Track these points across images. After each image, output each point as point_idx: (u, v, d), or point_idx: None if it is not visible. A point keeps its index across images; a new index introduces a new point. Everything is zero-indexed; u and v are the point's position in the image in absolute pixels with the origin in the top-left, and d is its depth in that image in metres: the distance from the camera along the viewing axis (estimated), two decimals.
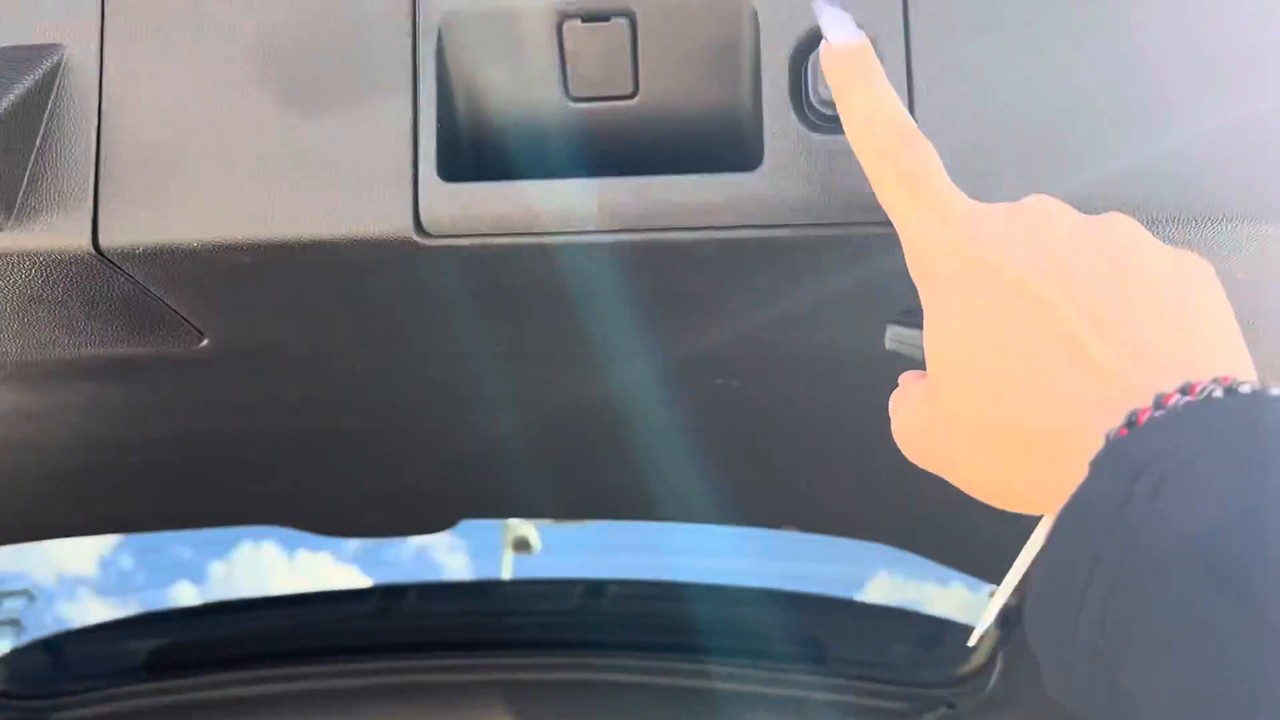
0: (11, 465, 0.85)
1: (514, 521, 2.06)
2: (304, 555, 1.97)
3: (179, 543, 1.98)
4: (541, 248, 0.55)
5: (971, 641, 0.69)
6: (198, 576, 1.93)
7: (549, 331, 0.67)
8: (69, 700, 1.39)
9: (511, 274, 0.58)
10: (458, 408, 0.81)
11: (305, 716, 1.39)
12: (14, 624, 1.80)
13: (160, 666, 1.45)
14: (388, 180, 0.53)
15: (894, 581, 1.54)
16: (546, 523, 2.05)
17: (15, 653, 1.52)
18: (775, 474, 0.94)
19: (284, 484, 0.95)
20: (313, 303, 0.62)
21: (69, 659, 1.51)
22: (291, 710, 1.39)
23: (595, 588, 1.49)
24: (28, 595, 1.89)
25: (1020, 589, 0.41)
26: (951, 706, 1.34)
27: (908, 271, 0.47)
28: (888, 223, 0.54)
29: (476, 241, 0.54)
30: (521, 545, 2.10)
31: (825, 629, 1.44)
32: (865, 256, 0.56)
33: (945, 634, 1.40)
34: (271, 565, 1.96)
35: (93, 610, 1.92)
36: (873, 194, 0.53)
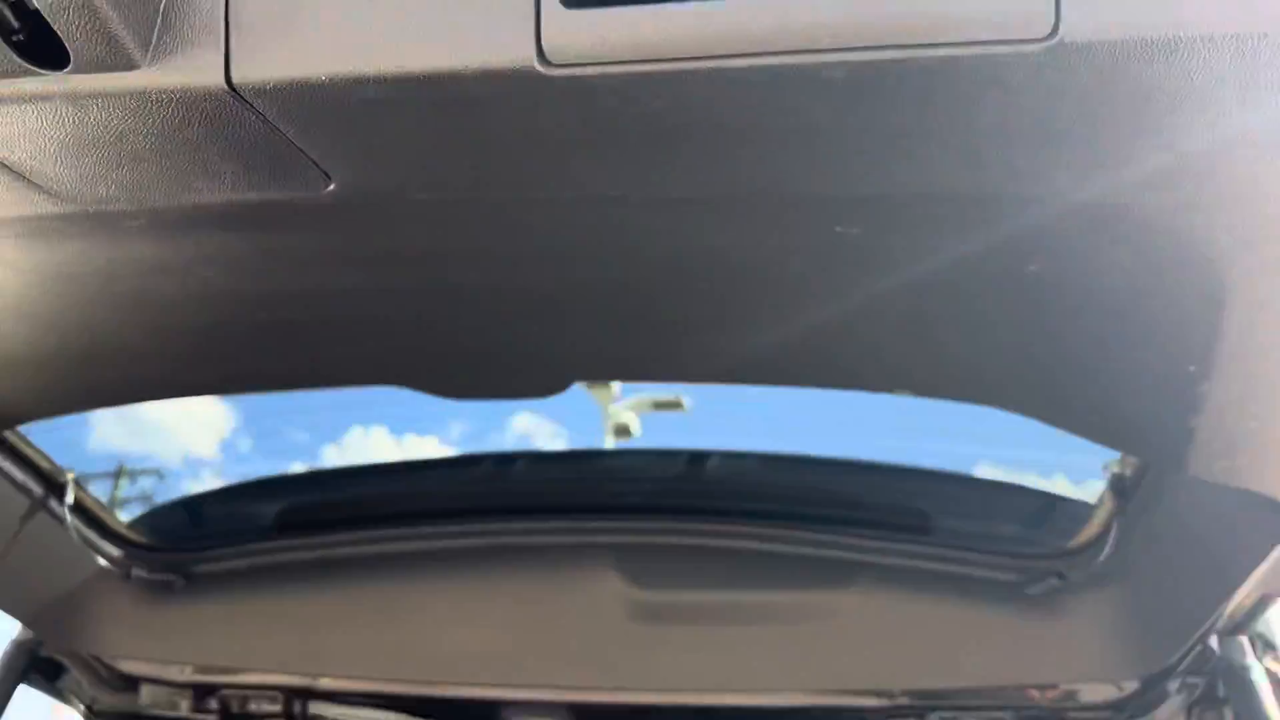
0: (149, 322, 0.89)
1: (615, 407, 2.08)
2: (412, 440, 2.02)
3: (294, 428, 2.05)
4: (666, 76, 0.54)
5: None
6: (312, 459, 2.01)
7: (670, 171, 0.67)
8: (207, 555, 1.49)
9: (633, 106, 0.57)
10: (571, 260, 0.82)
11: (421, 574, 1.45)
12: (148, 500, 1.91)
13: (288, 526, 1.53)
14: (509, 9, 0.53)
15: (1005, 453, 1.51)
16: (647, 409, 2.07)
17: (157, 511, 1.62)
18: (890, 333, 0.93)
19: (401, 342, 0.98)
20: (436, 140, 0.62)
21: (206, 517, 1.60)
22: (408, 567, 1.45)
23: (699, 457, 1.51)
24: (158, 474, 1.99)
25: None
26: (1062, 577, 1.32)
27: (1043, 109, 0.42)
28: (1027, 40, 0.52)
29: (598, 70, 0.54)
30: (622, 431, 2.12)
31: (933, 501, 1.44)
32: (999, 82, 0.54)
33: (1056, 506, 1.38)
34: (379, 448, 2.02)
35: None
36: (1016, 10, 0.50)
